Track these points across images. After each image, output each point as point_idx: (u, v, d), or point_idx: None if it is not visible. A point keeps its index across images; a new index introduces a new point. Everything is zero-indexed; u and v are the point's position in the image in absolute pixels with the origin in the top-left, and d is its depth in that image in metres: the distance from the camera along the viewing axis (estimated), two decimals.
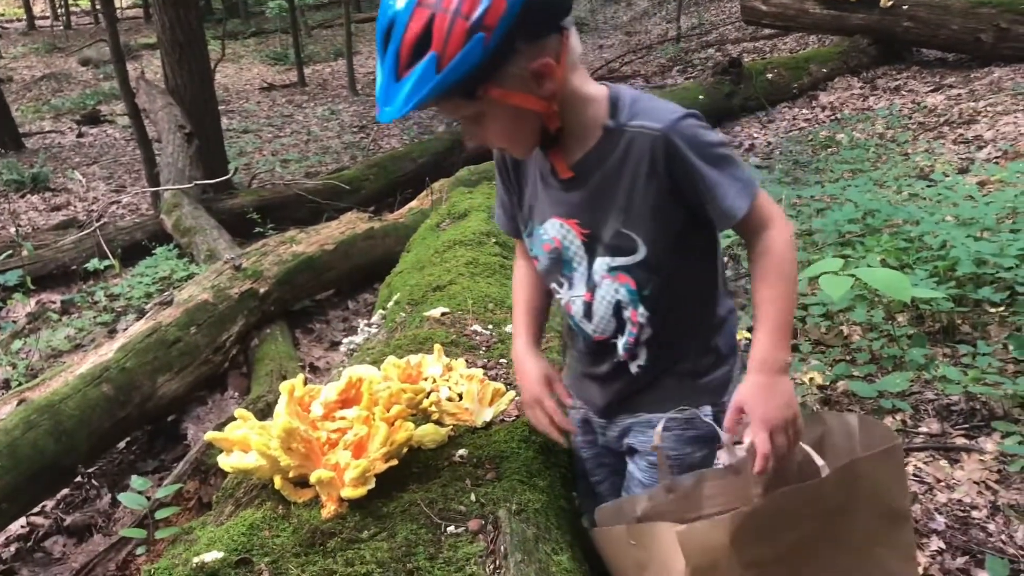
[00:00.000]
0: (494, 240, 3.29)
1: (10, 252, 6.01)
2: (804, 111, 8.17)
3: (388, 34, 1.28)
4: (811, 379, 3.22)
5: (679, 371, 1.59)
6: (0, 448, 2.85)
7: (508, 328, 2.29)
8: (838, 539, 1.40)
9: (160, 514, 2.33)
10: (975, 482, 2.61)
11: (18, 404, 3.13)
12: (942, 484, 2.63)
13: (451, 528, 1.42)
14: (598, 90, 1.46)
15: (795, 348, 3.51)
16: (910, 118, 7.03)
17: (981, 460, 2.70)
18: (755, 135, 7.75)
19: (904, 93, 7.87)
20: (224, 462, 1.56)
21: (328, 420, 1.62)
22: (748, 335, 3.67)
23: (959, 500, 2.55)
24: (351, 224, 5.36)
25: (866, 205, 4.50)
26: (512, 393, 1.86)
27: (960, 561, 2.32)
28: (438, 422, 1.78)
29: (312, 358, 4.46)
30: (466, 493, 1.53)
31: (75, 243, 6.16)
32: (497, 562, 1.34)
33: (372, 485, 1.48)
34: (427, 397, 1.78)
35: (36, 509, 3.23)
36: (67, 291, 5.79)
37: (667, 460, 1.60)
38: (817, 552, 1.38)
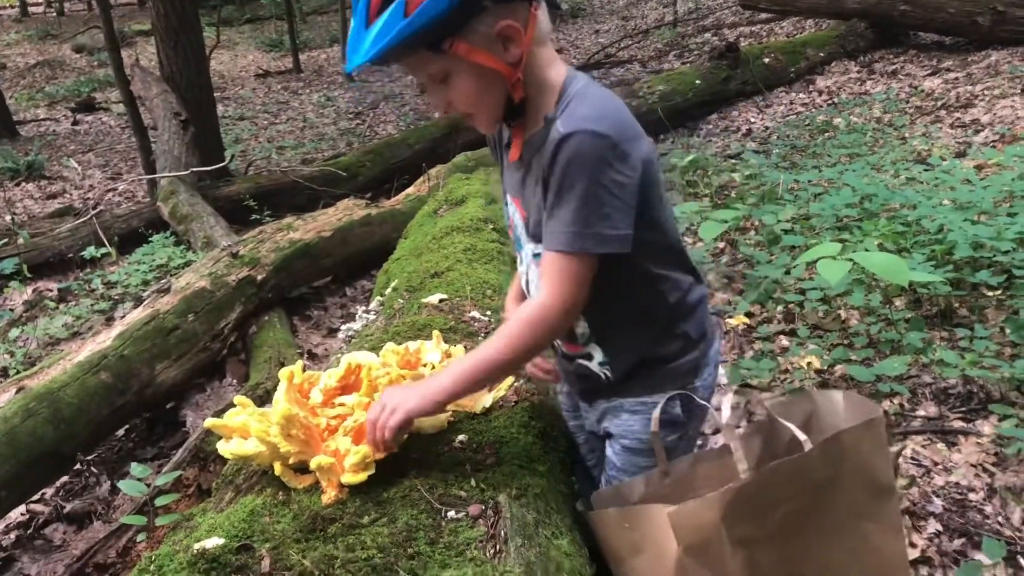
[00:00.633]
0: (492, 226, 3.28)
1: (6, 240, 5.99)
2: (801, 95, 8.15)
3: None
4: (809, 363, 3.23)
5: (646, 359, 1.60)
6: None
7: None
8: (825, 514, 1.41)
9: (160, 501, 2.33)
10: (972, 465, 2.63)
11: (17, 392, 3.13)
12: (939, 467, 2.64)
13: (451, 513, 1.43)
14: (557, 76, 1.45)
15: (793, 333, 3.51)
16: (907, 102, 7.02)
17: (978, 443, 2.71)
18: (752, 120, 7.74)
19: (901, 77, 7.86)
20: (224, 449, 1.57)
21: (327, 406, 1.63)
22: (745, 320, 3.70)
23: (956, 483, 2.56)
24: (348, 211, 5.35)
25: (863, 189, 4.49)
26: (511, 379, 1.87)
27: (957, 543, 2.33)
28: None
29: (310, 345, 4.46)
30: (466, 478, 1.53)
31: (71, 231, 6.15)
32: (498, 546, 1.34)
33: (372, 471, 1.48)
34: None
35: (36, 497, 3.23)
36: (64, 279, 5.78)
37: (640, 444, 1.64)
38: (805, 529, 1.40)
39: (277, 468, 1.54)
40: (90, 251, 5.88)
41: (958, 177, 4.53)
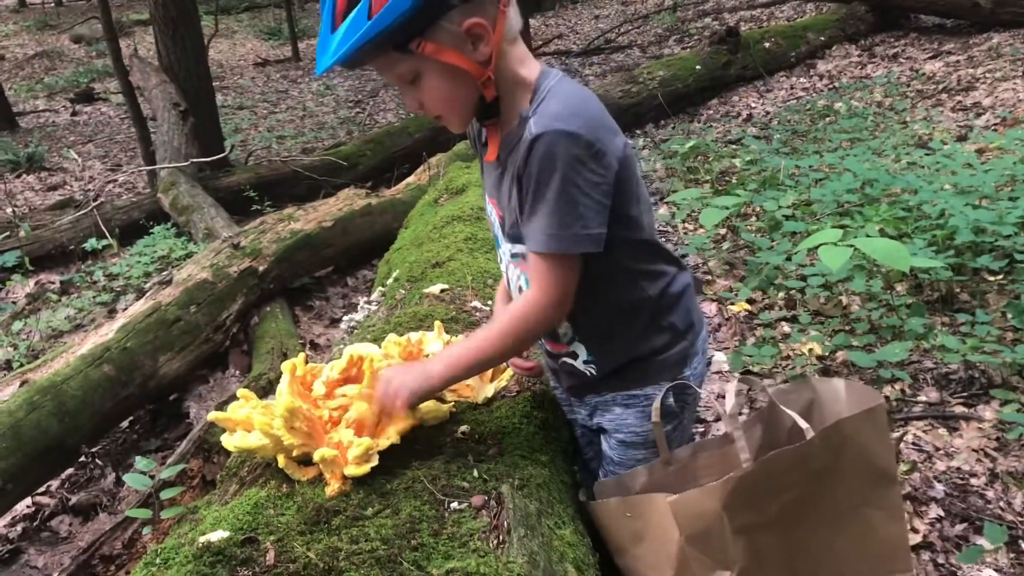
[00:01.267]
0: None
1: (7, 233, 5.99)
2: (802, 80, 8.12)
3: None
4: (810, 350, 3.23)
5: (635, 355, 1.61)
6: (4, 429, 2.87)
7: None
8: (826, 502, 1.42)
9: (165, 494, 2.34)
10: (974, 450, 2.63)
11: (20, 385, 3.14)
12: (941, 452, 2.65)
13: (454, 504, 1.43)
14: (531, 73, 1.44)
15: (794, 319, 3.52)
16: (908, 86, 6.99)
17: (980, 428, 2.72)
18: (753, 105, 7.71)
19: (902, 60, 7.82)
20: (227, 442, 1.57)
21: (330, 398, 1.63)
22: (747, 306, 3.70)
23: (958, 468, 2.57)
24: (349, 200, 5.35)
25: (864, 175, 4.48)
26: (512, 370, 1.87)
27: (959, 528, 2.34)
28: (439, 399, 1.79)
29: (312, 335, 4.47)
30: (469, 469, 1.54)
31: (72, 223, 6.15)
32: (501, 537, 1.35)
33: (375, 462, 1.49)
34: None
35: (41, 489, 3.25)
36: (66, 271, 5.79)
37: (636, 437, 1.65)
38: (806, 516, 1.41)
39: (281, 460, 1.54)
40: (91, 243, 5.88)
41: (959, 161, 4.51)
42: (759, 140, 6.32)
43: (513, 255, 1.55)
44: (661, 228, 4.93)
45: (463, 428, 1.68)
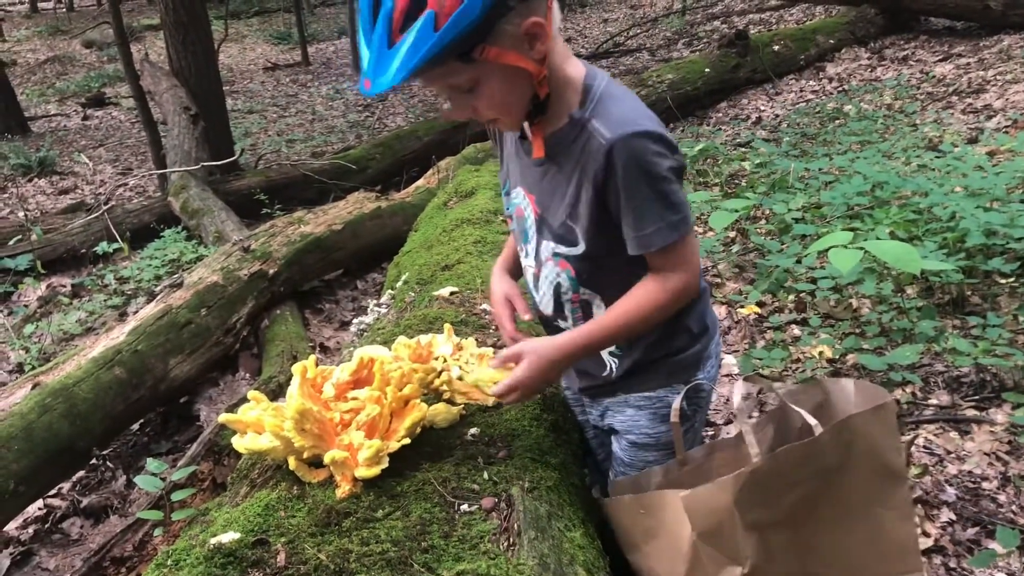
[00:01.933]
0: (501, 218, 3.28)
1: (20, 236, 6.02)
2: (811, 83, 8.10)
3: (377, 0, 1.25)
4: (820, 352, 3.22)
5: (654, 355, 1.62)
6: (16, 431, 2.88)
7: (485, 306, 2.31)
8: (837, 500, 1.42)
9: (176, 496, 2.35)
10: (985, 453, 2.62)
11: (32, 388, 3.16)
12: (952, 456, 2.64)
13: (464, 506, 1.43)
14: (576, 71, 1.44)
15: (804, 322, 3.51)
16: (918, 88, 6.97)
17: (991, 431, 2.70)
18: (762, 108, 7.70)
19: (912, 63, 7.80)
20: (238, 444, 1.58)
21: (340, 400, 1.63)
22: (757, 309, 3.69)
23: (969, 471, 2.56)
24: (358, 204, 5.36)
25: (875, 177, 4.47)
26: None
27: (971, 532, 2.33)
28: (450, 401, 1.79)
29: (322, 338, 4.48)
30: (479, 471, 1.54)
31: (84, 226, 6.18)
32: (511, 539, 1.35)
33: (386, 464, 1.49)
34: (438, 376, 1.79)
35: (53, 491, 3.26)
36: (77, 274, 5.82)
37: (647, 439, 1.67)
38: (816, 514, 1.41)
39: (291, 462, 1.55)
40: (102, 246, 5.91)
41: (970, 164, 4.50)
42: (768, 143, 6.31)
43: (555, 254, 1.54)
44: None
45: (473, 430, 1.69)
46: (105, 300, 5.11)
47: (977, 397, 2.89)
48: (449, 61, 1.27)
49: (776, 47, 8.50)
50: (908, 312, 3.29)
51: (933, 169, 4.77)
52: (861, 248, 2.78)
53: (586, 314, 1.60)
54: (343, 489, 1.47)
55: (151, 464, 2.36)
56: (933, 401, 2.91)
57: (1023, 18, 7.65)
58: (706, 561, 1.38)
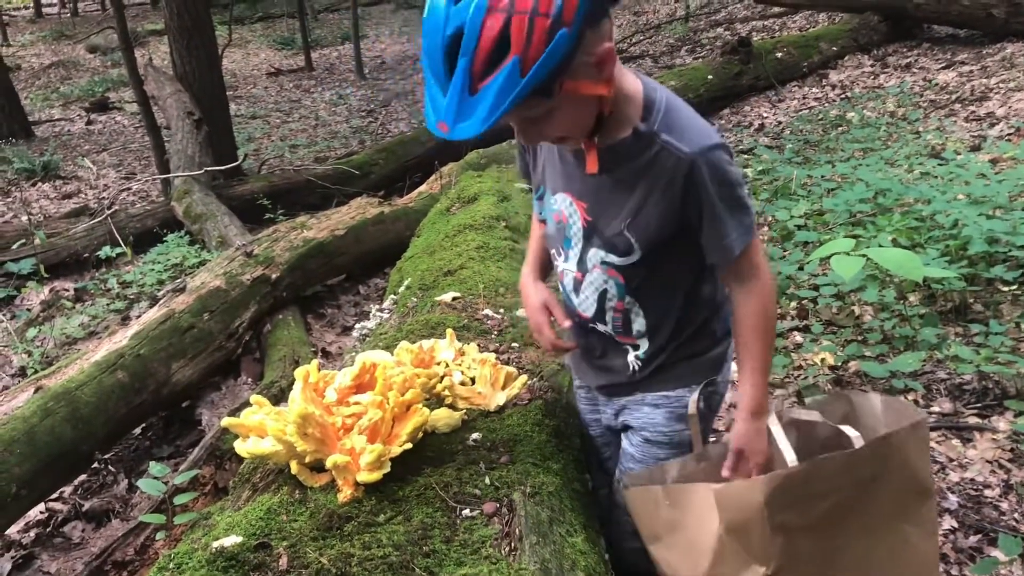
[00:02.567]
0: (504, 224, 3.29)
1: (23, 240, 6.04)
2: (814, 90, 8.11)
3: (454, 46, 1.21)
4: (823, 360, 3.22)
5: (677, 356, 1.65)
6: (18, 435, 2.88)
7: (520, 312, 2.30)
8: (868, 512, 1.43)
9: (178, 500, 2.35)
10: (988, 461, 2.62)
11: (35, 392, 3.17)
12: (955, 463, 2.63)
13: (466, 511, 1.44)
14: (633, 85, 1.46)
15: (806, 329, 3.50)
16: (921, 96, 6.97)
17: (994, 439, 2.70)
18: (765, 115, 7.71)
19: (915, 70, 7.81)
20: (241, 448, 1.58)
21: (343, 405, 1.64)
22: None
23: (972, 479, 2.55)
24: (361, 209, 5.37)
25: (877, 184, 4.47)
26: (524, 377, 1.88)
27: (973, 540, 2.33)
28: (451, 406, 1.80)
29: (324, 343, 4.48)
30: (480, 476, 1.54)
31: (87, 231, 6.19)
32: (512, 544, 1.35)
33: (387, 469, 1.49)
34: (440, 382, 1.80)
35: (55, 495, 3.26)
36: (80, 278, 5.83)
37: (661, 436, 1.69)
38: (845, 525, 1.42)
39: (293, 467, 1.55)
40: (105, 251, 5.92)
41: (973, 171, 4.50)
42: (771, 150, 6.31)
43: (604, 262, 1.56)
44: None
45: (475, 436, 1.69)
46: (108, 304, 5.12)
47: (979, 405, 2.89)
48: (530, 99, 1.25)
49: (779, 54, 8.51)
50: (910, 319, 3.29)
51: (936, 176, 4.77)
52: (863, 255, 2.78)
53: (625, 322, 1.62)
54: (345, 493, 1.48)
55: (154, 468, 2.36)
56: (935, 408, 2.91)
57: None
58: (730, 557, 1.38)
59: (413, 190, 6.23)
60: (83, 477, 3.39)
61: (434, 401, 1.79)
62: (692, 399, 1.60)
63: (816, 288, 3.61)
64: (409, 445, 1.55)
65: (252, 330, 4.25)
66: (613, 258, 1.53)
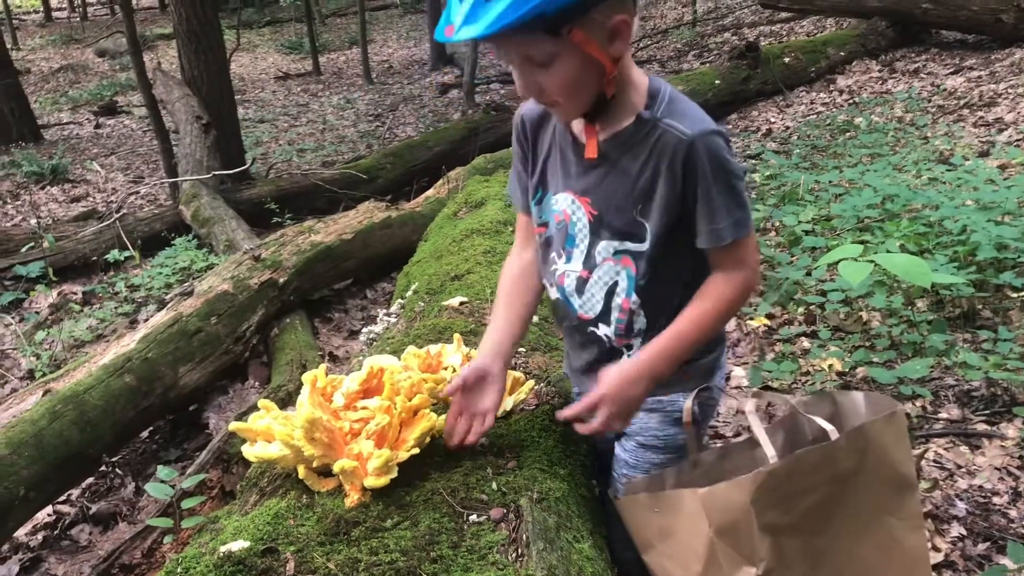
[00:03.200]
0: (511, 229, 3.29)
1: (32, 244, 6.06)
2: (822, 95, 8.10)
3: None
4: (830, 365, 3.21)
5: None
6: (27, 438, 2.89)
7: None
8: (851, 507, 1.43)
9: (185, 503, 2.36)
10: (996, 468, 2.60)
11: (43, 395, 3.18)
12: (963, 470, 2.62)
13: (473, 517, 1.44)
14: (640, 77, 1.49)
15: (814, 334, 3.50)
16: (929, 101, 6.96)
17: (1002, 446, 2.69)
18: (772, 120, 7.70)
19: (923, 76, 7.79)
20: (248, 452, 1.58)
21: (350, 410, 1.64)
22: (766, 321, 3.68)
23: (980, 486, 2.54)
24: (368, 213, 5.38)
25: (885, 190, 4.46)
26: (532, 382, 1.87)
27: (981, 547, 2.32)
28: None
29: (331, 347, 4.49)
30: (487, 482, 1.54)
31: (95, 234, 6.21)
32: (519, 550, 1.35)
33: (395, 474, 1.49)
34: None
35: (62, 498, 3.27)
36: (88, 282, 5.85)
37: (655, 441, 1.68)
38: (830, 522, 1.42)
39: (301, 471, 1.55)
40: (114, 254, 5.94)
41: (981, 177, 4.49)
42: (779, 155, 6.31)
43: (617, 252, 1.55)
44: None
45: (482, 440, 1.69)
46: (116, 308, 5.13)
47: (988, 412, 2.88)
48: (537, 31, 1.29)
49: (787, 59, 8.51)
50: (918, 325, 3.28)
51: (944, 182, 4.76)
52: (871, 261, 2.77)
53: (628, 322, 1.60)
54: (352, 498, 1.48)
55: (161, 471, 2.36)
56: (943, 415, 2.90)
57: None
58: (722, 559, 1.38)
59: (420, 194, 6.24)
60: (90, 480, 3.40)
61: (441, 406, 1.79)
62: (687, 405, 1.59)
63: (824, 294, 3.60)
64: (416, 450, 1.55)
65: (259, 334, 4.25)
66: (629, 244, 1.53)
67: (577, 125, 1.55)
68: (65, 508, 3.27)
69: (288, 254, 4.66)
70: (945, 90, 7.11)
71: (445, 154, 7.55)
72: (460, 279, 2.80)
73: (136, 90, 10.95)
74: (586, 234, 1.57)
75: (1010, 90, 6.63)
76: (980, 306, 3.42)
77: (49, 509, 3.21)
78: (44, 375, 3.99)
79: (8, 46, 12.25)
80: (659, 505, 1.49)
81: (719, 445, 1.75)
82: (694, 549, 1.42)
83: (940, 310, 3.48)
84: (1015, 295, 3.44)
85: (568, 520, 1.55)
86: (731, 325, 3.74)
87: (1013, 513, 2.42)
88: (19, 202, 8.28)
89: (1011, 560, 2.20)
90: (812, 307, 3.68)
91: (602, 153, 1.50)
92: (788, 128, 7.31)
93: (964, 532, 2.37)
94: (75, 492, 3.36)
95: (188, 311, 3.88)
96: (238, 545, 1.36)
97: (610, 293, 1.59)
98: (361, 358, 2.24)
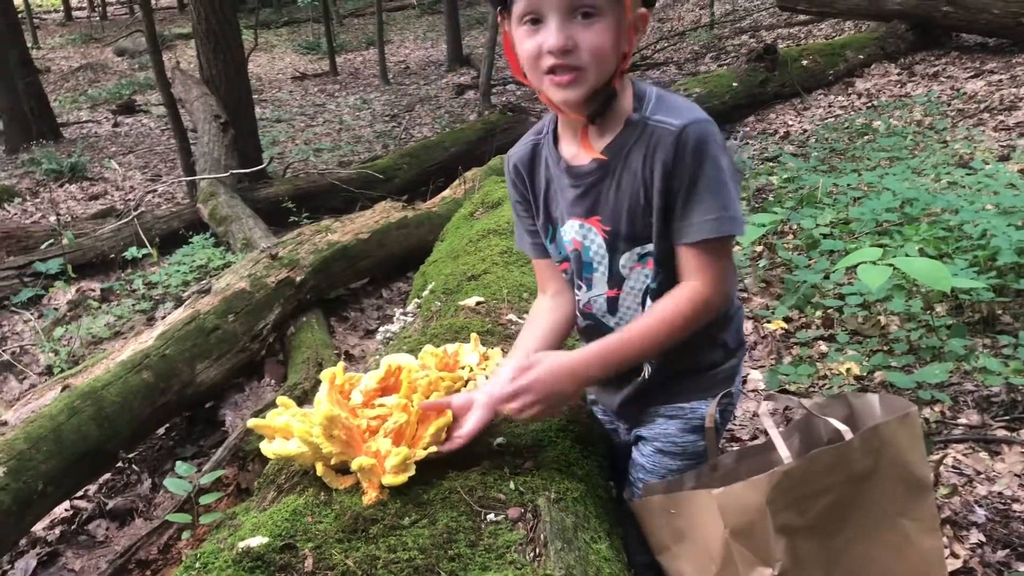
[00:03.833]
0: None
1: (51, 241, 6.11)
2: (840, 98, 8.06)
3: None
4: (848, 369, 3.19)
5: (690, 367, 1.62)
6: (46, 432, 2.92)
7: None
8: (866, 509, 1.42)
9: (203, 499, 2.37)
10: (1016, 475, 2.58)
11: (62, 390, 3.20)
12: (982, 476, 2.60)
13: (491, 516, 1.43)
14: (627, 84, 1.49)
15: (831, 338, 3.48)
16: (949, 105, 6.91)
17: (1022, 452, 2.66)
18: (790, 122, 7.67)
19: (943, 79, 7.74)
20: (266, 449, 1.58)
21: (368, 407, 1.64)
22: (784, 325, 3.66)
23: (1000, 493, 2.52)
24: (385, 213, 5.39)
25: (904, 194, 4.43)
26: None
27: (1001, 554, 2.30)
28: None
29: (347, 346, 4.50)
30: (505, 481, 1.54)
31: (114, 232, 6.26)
32: (537, 550, 1.35)
33: (412, 472, 1.49)
34: (465, 386, 1.79)
35: (79, 493, 3.29)
36: (106, 279, 5.89)
37: (673, 447, 1.66)
38: (845, 524, 1.41)
39: (319, 468, 1.55)
40: (132, 252, 5.98)
41: (1001, 181, 4.45)
42: (796, 158, 6.28)
43: (641, 256, 1.52)
44: None
45: (499, 440, 1.68)
46: (134, 305, 5.17)
47: (1008, 417, 2.85)
48: None
49: (805, 62, 8.47)
50: (937, 330, 3.26)
51: (964, 186, 4.72)
52: (890, 265, 2.75)
53: None
54: (370, 496, 1.48)
55: (180, 467, 2.37)
56: (963, 420, 2.88)
57: None
58: (737, 560, 1.38)
59: (437, 195, 6.25)
60: (107, 476, 3.43)
61: None
62: (709, 411, 1.58)
63: (842, 297, 3.58)
64: (434, 448, 1.55)
65: (276, 332, 4.27)
66: (648, 247, 1.50)
67: (568, 151, 1.54)
68: (82, 503, 3.30)
69: (305, 253, 4.68)
70: (965, 94, 7.06)
71: (461, 154, 7.56)
72: (477, 279, 2.79)
73: (155, 89, 11.02)
74: (603, 254, 1.55)
75: None
76: (1000, 311, 3.39)
77: (66, 504, 3.23)
78: (63, 371, 4.02)
79: (28, 45, 12.34)
80: (675, 506, 1.49)
81: (736, 448, 1.74)
82: (709, 550, 1.42)
83: (959, 315, 3.45)
84: None
85: (586, 520, 1.54)
86: (748, 328, 3.73)
87: None
88: (39, 199, 8.35)
89: None
90: (830, 310, 3.66)
91: (600, 164, 1.49)
92: (806, 131, 7.28)
93: (983, 539, 2.35)
94: (92, 488, 3.38)
95: (205, 309, 3.90)
96: (256, 541, 1.36)
97: (644, 299, 1.56)
98: (378, 357, 2.24)
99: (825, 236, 4.26)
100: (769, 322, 3.73)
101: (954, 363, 3.06)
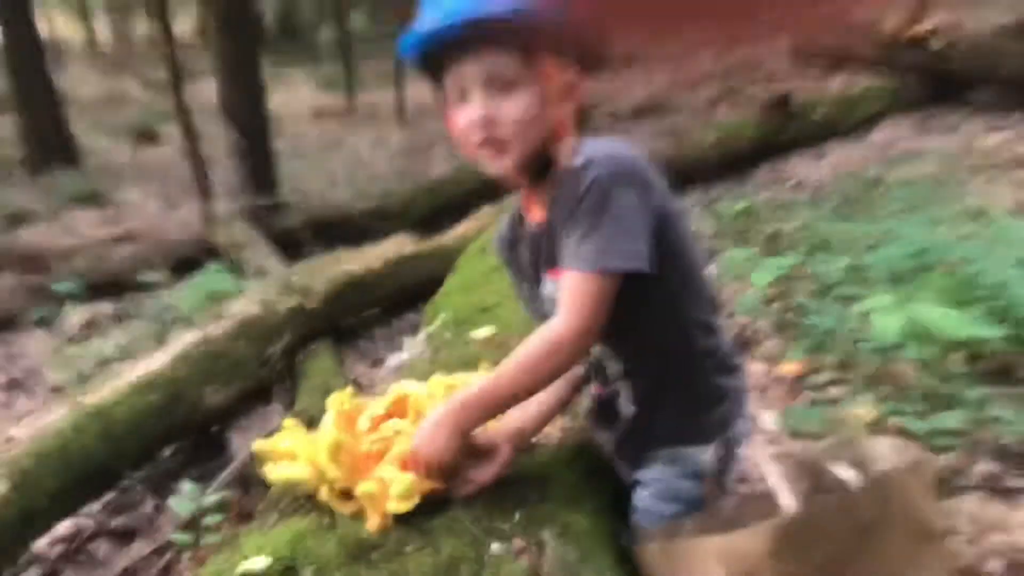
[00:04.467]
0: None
1: (67, 262, 6.15)
2: (855, 149, 8.08)
3: None
4: (860, 415, 3.16)
5: (677, 409, 1.61)
6: (52, 450, 2.91)
7: None
8: (873, 559, 1.38)
9: (208, 519, 2.35)
10: None
11: (70, 409, 3.20)
12: (997, 528, 2.55)
13: (495, 546, 1.42)
14: (570, 144, 1.48)
15: (844, 383, 3.45)
16: (964, 158, 6.91)
17: None
18: (804, 172, 7.68)
19: (958, 133, 7.75)
20: (272, 472, 1.58)
21: (373, 431, 1.64)
22: (796, 369, 3.64)
23: (1015, 543, 2.47)
24: (398, 246, 5.42)
25: (919, 243, 4.42)
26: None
27: None
28: None
29: (356, 374, 4.49)
30: (510, 512, 1.52)
31: (128, 256, 6.30)
32: None
33: (417, 500, 1.48)
34: None
35: (82, 511, 3.27)
36: (119, 301, 5.91)
37: (671, 493, 1.64)
38: (850, 573, 1.37)
39: (323, 493, 1.54)
40: (146, 275, 6.01)
41: (1018, 234, 4.44)
42: (810, 206, 6.28)
43: None
44: None
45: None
46: (145, 327, 5.18)
47: None
48: (514, 46, 1.33)
49: (819, 112, 8.50)
50: (952, 379, 3.23)
51: (979, 238, 4.71)
52: (905, 312, 2.74)
53: (601, 373, 1.63)
54: (373, 522, 1.46)
55: (186, 488, 2.36)
56: (978, 469, 2.83)
57: None
58: None
59: (451, 230, 6.28)
60: (110, 495, 3.41)
61: None
62: (705, 457, 1.57)
63: (855, 343, 3.55)
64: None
65: (285, 359, 4.27)
66: None
67: (535, 216, 1.56)
68: (84, 522, 3.27)
69: (317, 281, 4.70)
70: (980, 148, 7.06)
71: (475, 191, 7.57)
72: (488, 311, 2.79)
73: (175, 119, 11.16)
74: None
75: None
76: (1016, 361, 3.36)
77: (69, 522, 3.21)
78: (72, 390, 4.02)
79: (53, 72, 12.52)
80: (674, 554, 1.46)
81: (740, 493, 1.71)
82: None
83: (975, 364, 3.42)
84: None
85: (591, 555, 1.52)
86: (760, 370, 3.70)
87: None
88: (57, 222, 8.42)
89: None
90: (844, 356, 3.63)
91: (546, 222, 1.50)
92: (820, 181, 7.29)
93: None
94: (95, 506, 3.36)
95: (216, 333, 3.91)
96: (258, 563, 1.35)
97: None
98: (386, 386, 2.23)
99: (839, 282, 4.24)
100: (782, 365, 3.71)
101: (969, 412, 3.02)
